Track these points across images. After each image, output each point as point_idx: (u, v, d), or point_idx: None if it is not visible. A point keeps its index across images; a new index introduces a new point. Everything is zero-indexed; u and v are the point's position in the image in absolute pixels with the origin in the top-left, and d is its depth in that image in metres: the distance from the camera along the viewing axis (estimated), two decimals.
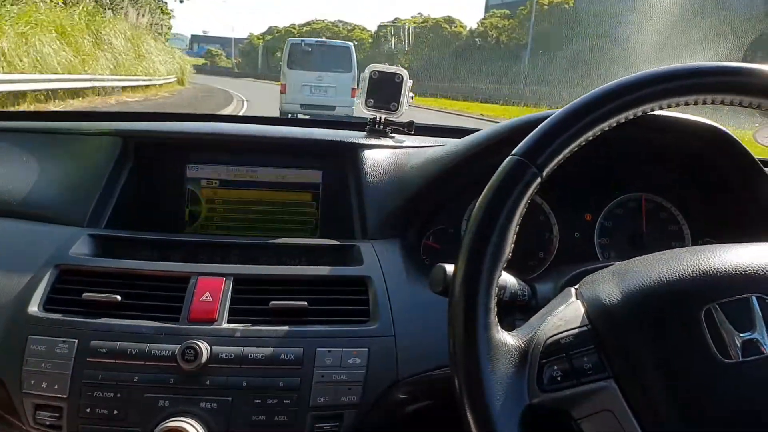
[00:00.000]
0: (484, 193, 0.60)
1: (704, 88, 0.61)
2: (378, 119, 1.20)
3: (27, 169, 1.09)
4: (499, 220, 0.58)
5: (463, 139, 1.06)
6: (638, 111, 0.61)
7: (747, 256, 0.56)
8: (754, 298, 0.52)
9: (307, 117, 10.10)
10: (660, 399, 0.52)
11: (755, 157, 0.96)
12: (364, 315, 0.86)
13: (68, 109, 8.78)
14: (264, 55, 68.39)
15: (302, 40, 13.48)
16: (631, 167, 1.12)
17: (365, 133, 1.20)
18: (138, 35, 18.79)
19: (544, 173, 0.60)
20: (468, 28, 47.75)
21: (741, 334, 0.52)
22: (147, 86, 17.91)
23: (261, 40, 75.25)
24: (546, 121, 0.62)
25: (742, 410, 0.50)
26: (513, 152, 0.61)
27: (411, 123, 1.22)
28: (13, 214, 1.00)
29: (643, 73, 0.62)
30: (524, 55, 34.24)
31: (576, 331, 0.57)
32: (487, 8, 54.13)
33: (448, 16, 49.16)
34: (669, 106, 0.62)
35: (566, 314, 0.60)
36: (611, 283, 0.60)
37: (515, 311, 0.79)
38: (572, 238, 1.12)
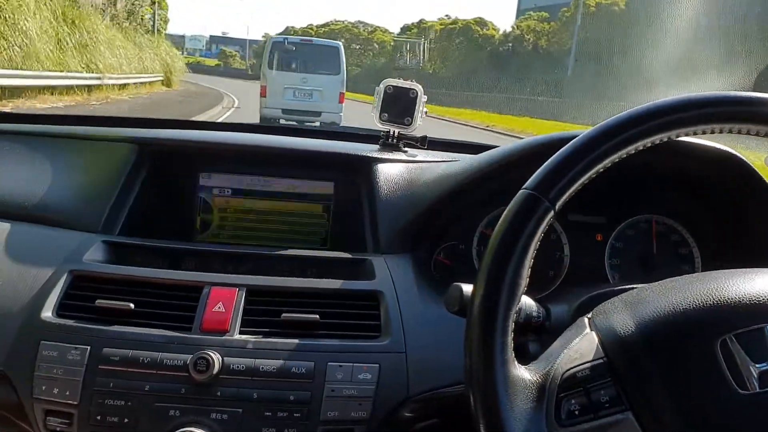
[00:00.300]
0: (497, 227, 0.60)
1: (716, 117, 0.62)
2: (392, 133, 1.21)
3: (43, 173, 1.09)
4: (513, 258, 0.58)
5: (477, 155, 1.07)
6: (648, 142, 0.62)
7: (760, 283, 0.56)
8: None
9: (290, 124, 9.08)
10: (678, 429, 0.52)
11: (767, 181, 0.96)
12: (376, 330, 0.86)
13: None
14: None
15: (285, 38, 12.29)
16: (642, 189, 1.12)
17: (378, 146, 1.21)
18: (83, 17, 14.61)
19: (557, 206, 0.60)
20: (501, 32, 44.15)
21: (757, 365, 0.52)
22: (93, 86, 14.05)
23: None
24: (558, 152, 0.62)
25: None
26: (525, 186, 0.61)
27: (424, 138, 1.23)
28: (28, 218, 1.00)
29: (653, 104, 0.62)
30: (568, 62, 31.72)
31: (592, 364, 0.57)
32: (519, 12, 50.83)
33: (479, 18, 45.28)
34: (678, 136, 0.63)
35: (581, 347, 0.60)
36: (625, 313, 0.60)
37: (528, 332, 0.79)
38: (583, 259, 1.12)
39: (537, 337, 0.79)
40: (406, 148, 1.22)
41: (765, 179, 0.96)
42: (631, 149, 0.62)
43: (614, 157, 0.62)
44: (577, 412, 0.56)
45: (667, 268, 1.10)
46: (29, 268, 0.89)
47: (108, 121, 1.37)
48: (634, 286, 0.72)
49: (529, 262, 0.59)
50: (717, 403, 0.51)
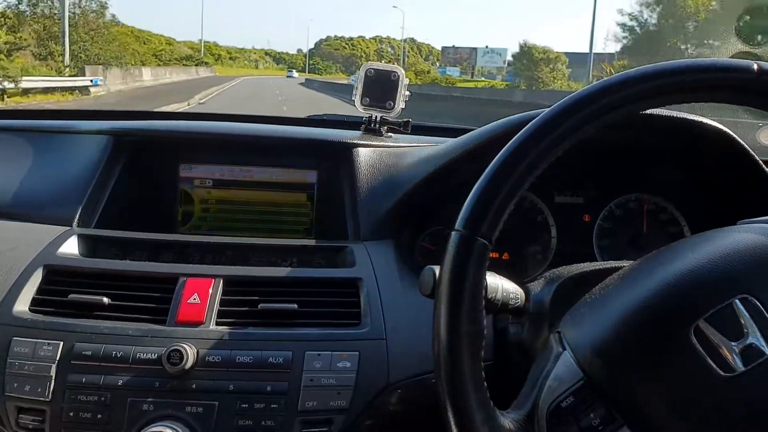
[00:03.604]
0: (440, 274, 0.57)
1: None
2: (374, 118, 1.19)
3: (16, 168, 1.07)
4: (464, 303, 0.55)
5: (458, 138, 1.04)
6: (571, 142, 0.58)
7: (713, 254, 0.53)
8: (737, 302, 0.50)
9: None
10: (676, 429, 0.50)
11: (758, 158, 0.94)
12: (355, 318, 0.84)
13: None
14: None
15: None
16: (630, 168, 1.10)
17: (361, 132, 1.18)
18: None
19: (493, 238, 0.57)
20: None
21: (736, 343, 0.50)
22: None
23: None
24: (477, 183, 0.58)
25: (757, 417, 0.48)
26: (456, 227, 0.57)
27: (407, 122, 1.21)
28: (2, 214, 0.99)
29: (560, 104, 0.58)
30: None
31: (573, 388, 0.54)
32: None
33: None
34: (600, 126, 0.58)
35: (558, 372, 0.57)
36: (591, 322, 0.57)
37: (508, 315, 0.77)
38: (571, 240, 1.10)
39: (517, 320, 0.78)
40: (389, 133, 1.20)
41: (754, 155, 0.94)
42: (573, 139, 0.57)
43: (542, 166, 0.57)
44: None
45: (656, 246, 1.08)
46: (2, 263, 0.87)
47: (82, 114, 1.35)
48: (622, 263, 0.71)
49: (481, 296, 0.56)
50: (705, 393, 0.49)
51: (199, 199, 1.15)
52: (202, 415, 0.74)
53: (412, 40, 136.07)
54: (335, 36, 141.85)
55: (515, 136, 0.58)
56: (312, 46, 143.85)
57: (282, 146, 1.16)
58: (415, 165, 1.04)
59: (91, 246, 0.96)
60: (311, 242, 1.02)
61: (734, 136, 0.92)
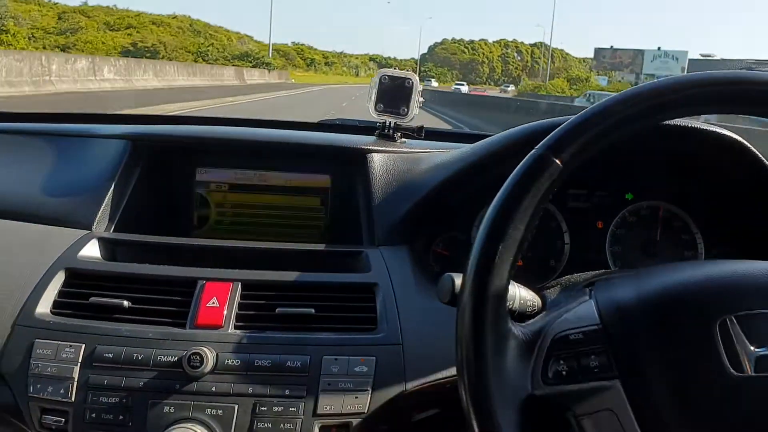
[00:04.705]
0: (505, 184, 0.58)
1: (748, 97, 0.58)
2: (388, 124, 1.20)
3: (36, 171, 1.09)
4: (514, 217, 0.56)
5: (474, 144, 1.05)
6: (673, 116, 0.60)
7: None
8: None
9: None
10: (664, 405, 0.52)
11: None
12: (371, 323, 0.85)
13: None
14: None
15: None
16: (644, 175, 1.10)
17: (375, 137, 1.19)
18: None
19: (565, 165, 0.58)
20: None
21: (755, 349, 0.51)
22: None
23: None
24: (575, 116, 0.60)
25: (749, 424, 0.50)
26: (536, 147, 0.59)
27: (421, 128, 1.22)
28: (22, 217, 1.00)
29: (684, 76, 0.60)
30: None
31: (586, 329, 0.57)
32: None
33: None
34: (704, 113, 0.61)
35: (578, 311, 0.60)
36: (627, 286, 0.59)
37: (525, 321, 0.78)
38: (584, 246, 1.10)
39: None
40: (402, 139, 1.21)
41: None
42: (657, 120, 0.60)
43: (634, 127, 0.59)
44: (564, 373, 0.56)
45: (669, 254, 1.08)
46: (24, 266, 0.88)
47: (101, 118, 1.37)
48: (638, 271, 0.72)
49: (528, 229, 0.57)
50: (708, 382, 0.51)
51: (214, 203, 1.16)
52: (222, 418, 0.75)
53: (542, 44, 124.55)
54: (452, 39, 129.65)
55: (627, 90, 0.60)
56: (425, 50, 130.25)
57: (297, 151, 1.17)
58: (430, 170, 1.05)
59: (110, 249, 0.97)
60: (327, 247, 1.03)
61: (749, 145, 0.93)
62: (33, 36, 50.96)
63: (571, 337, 0.57)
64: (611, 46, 67.39)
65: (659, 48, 59.35)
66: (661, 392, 0.52)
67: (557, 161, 0.57)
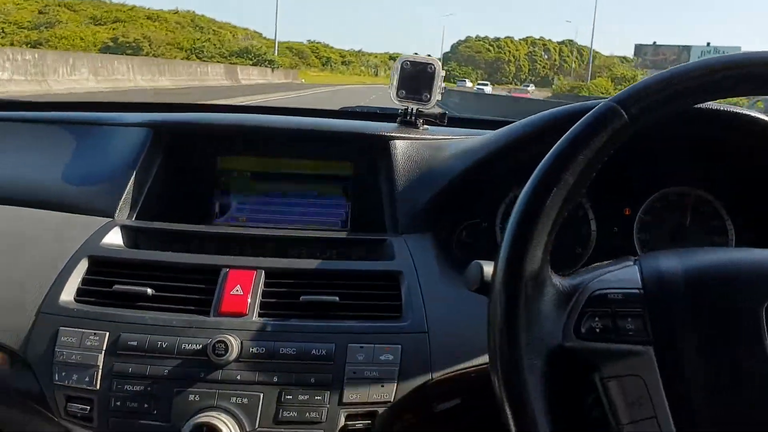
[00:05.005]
0: (564, 136, 0.57)
1: None
2: (410, 110, 1.18)
3: (59, 160, 1.09)
4: (570, 168, 0.55)
5: (498, 130, 1.03)
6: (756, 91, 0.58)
7: None
8: None
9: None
10: (696, 379, 0.50)
11: None
12: (396, 311, 0.84)
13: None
14: None
15: None
16: (672, 161, 1.08)
17: (397, 124, 1.18)
18: None
19: (632, 121, 0.56)
20: None
21: None
22: None
23: None
24: (654, 75, 0.58)
25: None
26: (609, 99, 0.58)
27: (443, 114, 1.20)
28: (45, 205, 1.00)
29: None
30: None
31: (627, 291, 0.56)
32: None
33: None
34: None
35: (620, 274, 0.58)
36: (675, 258, 0.58)
37: None
38: (610, 234, 1.08)
39: None
40: (425, 126, 1.19)
41: None
42: (730, 94, 0.58)
43: (715, 96, 0.58)
44: (598, 330, 0.55)
45: (698, 240, 1.06)
46: (47, 254, 0.88)
47: (121, 106, 1.36)
48: None
49: (576, 189, 0.56)
50: (746, 362, 0.50)
51: (236, 191, 1.15)
52: (247, 406, 0.75)
53: (570, 42, 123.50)
54: (476, 36, 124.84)
55: (713, 57, 0.58)
56: (447, 48, 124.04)
57: (319, 138, 1.16)
58: (455, 158, 1.03)
59: (133, 237, 0.97)
60: (350, 235, 1.02)
61: None
62: (3, 31, 47.91)
63: (610, 296, 0.56)
64: (654, 42, 65.75)
65: (708, 44, 57.21)
66: (694, 368, 0.51)
67: (625, 115, 0.56)
